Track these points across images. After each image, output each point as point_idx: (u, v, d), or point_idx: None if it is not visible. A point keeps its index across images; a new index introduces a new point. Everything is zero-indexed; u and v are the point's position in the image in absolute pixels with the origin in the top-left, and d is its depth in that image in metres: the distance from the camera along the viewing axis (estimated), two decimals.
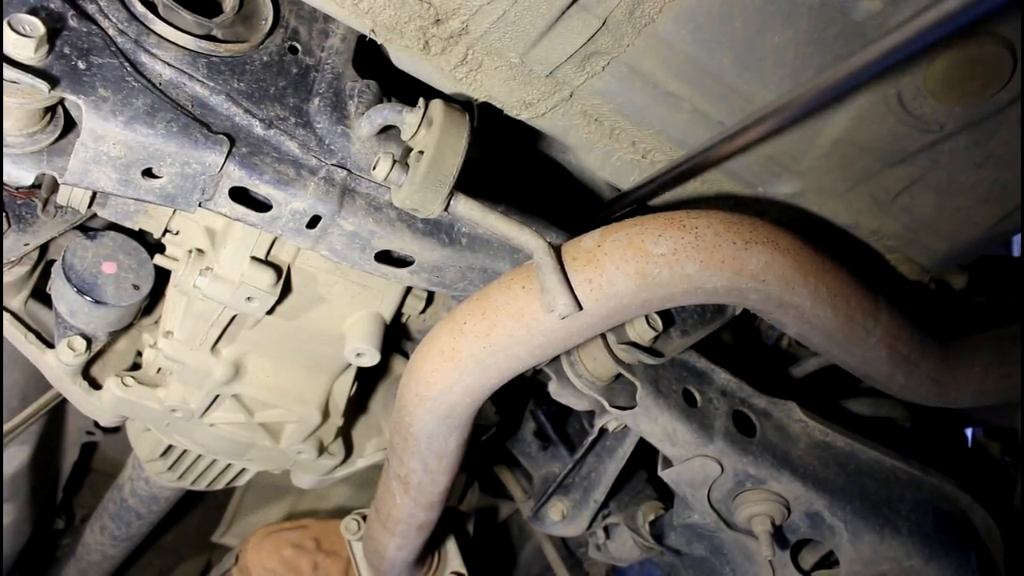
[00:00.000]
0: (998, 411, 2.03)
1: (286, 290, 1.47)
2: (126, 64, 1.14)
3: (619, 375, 1.44)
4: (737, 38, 1.24)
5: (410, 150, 1.22)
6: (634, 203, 1.48)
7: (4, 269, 1.59)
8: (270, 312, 1.47)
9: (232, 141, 1.18)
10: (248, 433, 1.75)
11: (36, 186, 1.52)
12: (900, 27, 0.94)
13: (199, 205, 1.22)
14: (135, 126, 1.11)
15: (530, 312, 1.19)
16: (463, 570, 2.14)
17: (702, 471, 1.46)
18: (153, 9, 1.20)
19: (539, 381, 1.77)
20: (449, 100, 1.20)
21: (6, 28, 1.02)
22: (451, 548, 2.16)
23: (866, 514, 1.52)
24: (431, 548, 2.08)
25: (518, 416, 2.26)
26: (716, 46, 1.25)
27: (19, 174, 1.13)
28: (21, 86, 1.05)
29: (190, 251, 1.45)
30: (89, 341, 1.59)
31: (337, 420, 1.76)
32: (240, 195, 1.22)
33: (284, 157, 1.22)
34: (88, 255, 1.53)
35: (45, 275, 1.65)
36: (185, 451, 1.94)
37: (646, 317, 1.36)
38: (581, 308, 1.17)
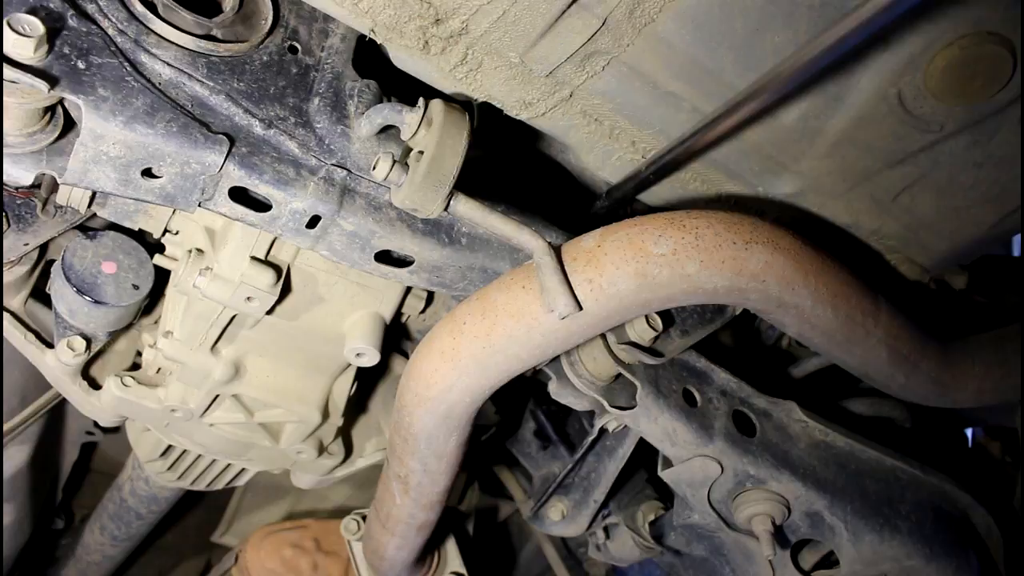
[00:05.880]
0: (998, 411, 2.03)
1: (286, 290, 1.47)
2: (126, 64, 1.14)
3: (619, 375, 1.44)
4: (737, 38, 1.24)
5: (410, 150, 1.22)
6: (630, 193, 1.47)
7: (4, 269, 1.59)
8: (270, 312, 1.47)
9: (232, 141, 1.18)
10: (248, 433, 1.75)
11: (36, 186, 1.52)
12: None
13: (199, 205, 1.22)
14: (135, 126, 1.11)
15: (530, 312, 1.19)
16: (463, 570, 2.13)
17: (702, 471, 1.46)
18: (153, 9, 1.20)
19: (539, 381, 1.77)
20: (449, 100, 1.20)
21: (6, 28, 1.02)
22: (451, 548, 2.16)
23: (866, 514, 1.52)
24: (431, 548, 2.08)
25: (518, 416, 2.26)
26: (716, 46, 1.25)
27: (19, 174, 1.13)
28: (21, 86, 1.05)
29: (190, 251, 1.45)
30: (89, 341, 1.59)
31: (337, 420, 1.76)
32: (240, 195, 1.22)
33: (284, 157, 1.22)
34: (88, 255, 1.53)
35: (45, 275, 1.65)
36: (185, 451, 1.94)
37: (646, 317, 1.36)
38: (581, 308, 1.17)
